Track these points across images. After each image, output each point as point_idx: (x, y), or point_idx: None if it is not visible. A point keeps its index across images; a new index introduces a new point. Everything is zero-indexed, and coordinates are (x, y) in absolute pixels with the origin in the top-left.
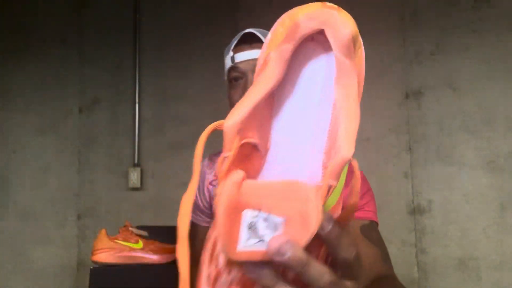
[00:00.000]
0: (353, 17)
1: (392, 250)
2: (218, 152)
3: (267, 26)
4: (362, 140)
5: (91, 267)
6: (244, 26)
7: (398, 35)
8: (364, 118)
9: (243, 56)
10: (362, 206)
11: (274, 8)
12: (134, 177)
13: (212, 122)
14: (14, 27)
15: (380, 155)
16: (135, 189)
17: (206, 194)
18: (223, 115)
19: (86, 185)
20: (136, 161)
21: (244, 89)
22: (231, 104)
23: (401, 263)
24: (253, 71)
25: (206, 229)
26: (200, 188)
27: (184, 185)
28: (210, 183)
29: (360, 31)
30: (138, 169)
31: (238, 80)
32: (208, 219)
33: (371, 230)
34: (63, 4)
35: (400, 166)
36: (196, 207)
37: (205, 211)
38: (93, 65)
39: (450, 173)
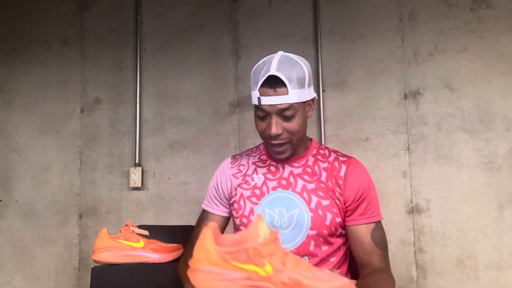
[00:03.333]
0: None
1: (390, 249)
2: (240, 153)
3: (266, 27)
4: (361, 140)
5: (93, 266)
6: (244, 27)
7: (397, 36)
8: (363, 118)
9: (268, 100)
10: (366, 210)
11: (273, 9)
12: (135, 176)
13: (212, 122)
14: (16, 28)
15: (379, 155)
16: (136, 188)
17: (229, 184)
18: (222, 115)
19: (87, 185)
20: (137, 161)
21: (268, 125)
22: (257, 130)
23: (400, 262)
24: (276, 113)
25: (216, 216)
26: (223, 180)
27: (185, 184)
28: (233, 175)
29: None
30: (139, 169)
31: (263, 117)
32: (224, 208)
33: (377, 230)
34: (64, 6)
35: (399, 165)
36: (213, 196)
37: (223, 200)
38: (95, 66)
39: (448, 173)
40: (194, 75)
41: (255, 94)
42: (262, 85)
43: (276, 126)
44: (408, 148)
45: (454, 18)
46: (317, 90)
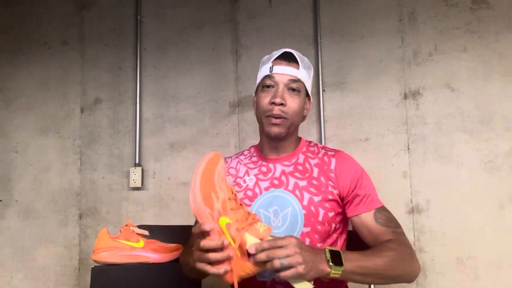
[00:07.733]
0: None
1: None
2: (230, 156)
3: (266, 27)
4: (361, 140)
5: (93, 266)
6: (244, 27)
7: (397, 36)
8: (363, 118)
9: (280, 69)
10: (364, 199)
11: (273, 9)
12: (135, 176)
13: (212, 122)
14: (16, 28)
15: (379, 155)
16: (136, 188)
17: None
18: (222, 115)
19: (87, 185)
20: (137, 161)
21: (274, 94)
22: (258, 106)
23: None
24: (284, 83)
25: None
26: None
27: (184, 185)
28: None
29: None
30: (139, 169)
31: (270, 87)
32: None
33: (379, 212)
34: (64, 6)
35: (399, 166)
36: None
37: None
38: (95, 66)
39: (448, 173)
40: (194, 75)
41: (267, 66)
42: (276, 59)
43: (281, 95)
44: (408, 148)
45: (454, 18)
46: (317, 90)
